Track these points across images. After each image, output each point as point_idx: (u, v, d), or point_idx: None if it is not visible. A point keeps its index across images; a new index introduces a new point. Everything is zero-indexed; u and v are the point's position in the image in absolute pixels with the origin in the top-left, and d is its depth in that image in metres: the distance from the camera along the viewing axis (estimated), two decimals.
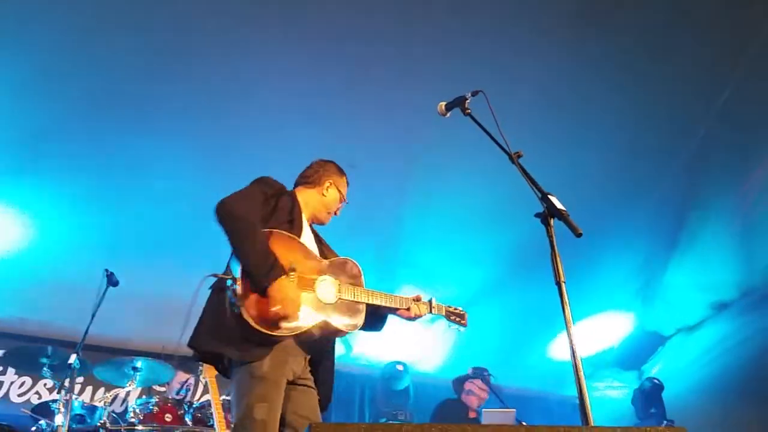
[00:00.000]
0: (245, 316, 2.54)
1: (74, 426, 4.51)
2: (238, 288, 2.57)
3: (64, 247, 5.85)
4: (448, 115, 2.90)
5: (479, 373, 6.20)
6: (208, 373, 4.60)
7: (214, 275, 2.71)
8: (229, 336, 2.58)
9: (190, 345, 2.72)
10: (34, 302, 5.95)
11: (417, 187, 6.23)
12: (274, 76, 5.41)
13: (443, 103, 2.91)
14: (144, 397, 4.87)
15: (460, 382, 6.23)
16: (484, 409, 5.68)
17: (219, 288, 2.69)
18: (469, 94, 2.83)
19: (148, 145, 5.50)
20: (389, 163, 6.01)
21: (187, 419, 4.67)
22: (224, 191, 2.75)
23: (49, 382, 6.03)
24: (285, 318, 2.57)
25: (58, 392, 4.51)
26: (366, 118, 5.74)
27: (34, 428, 4.65)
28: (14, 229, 5.76)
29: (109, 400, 4.77)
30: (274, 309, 2.54)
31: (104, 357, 5.28)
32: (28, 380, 6.13)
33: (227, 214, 2.64)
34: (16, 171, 5.44)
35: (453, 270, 6.91)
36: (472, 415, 5.94)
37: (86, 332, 4.62)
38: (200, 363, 4.68)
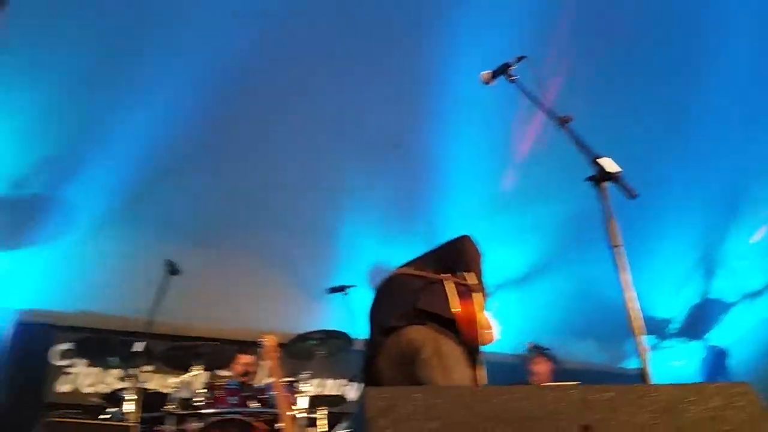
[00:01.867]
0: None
1: (143, 413, 4.65)
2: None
3: (127, 238, 6.05)
4: (493, 82, 2.85)
5: (539, 350, 6.13)
6: (270, 356, 4.69)
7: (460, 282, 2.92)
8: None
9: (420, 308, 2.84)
10: (100, 295, 6.18)
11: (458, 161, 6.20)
12: None
13: (487, 72, 2.86)
14: (208, 381, 4.98)
15: (524, 361, 6.16)
16: (545, 385, 5.61)
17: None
18: (514, 60, 2.78)
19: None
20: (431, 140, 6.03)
21: (251, 402, 4.77)
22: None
23: (118, 372, 6.27)
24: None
25: (127, 380, 4.68)
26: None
27: (104, 417, 4.82)
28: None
29: (175, 386, 4.88)
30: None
31: (169, 344, 5.44)
32: (97, 370, 6.36)
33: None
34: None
35: (508, 244, 6.85)
36: None
37: (150, 321, 4.77)
38: (261, 346, 4.78)
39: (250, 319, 6.53)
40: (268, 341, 4.76)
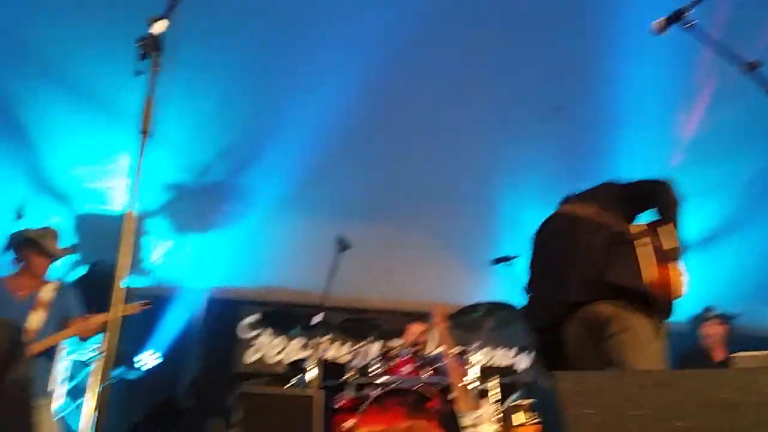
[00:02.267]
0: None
1: (324, 381, 4.93)
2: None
3: (302, 218, 6.41)
4: (667, 31, 2.62)
5: (717, 315, 5.69)
6: (440, 326, 4.75)
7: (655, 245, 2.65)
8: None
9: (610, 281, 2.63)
10: (280, 271, 6.62)
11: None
12: None
13: (660, 20, 2.63)
14: (382, 351, 5.15)
15: (697, 325, 5.76)
16: (736, 354, 5.18)
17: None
18: (690, 4, 2.53)
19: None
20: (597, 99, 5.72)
21: (424, 372, 4.87)
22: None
23: (300, 342, 6.72)
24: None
25: (308, 350, 5.00)
26: None
27: (289, 385, 5.16)
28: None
29: (352, 356, 5.12)
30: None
31: (345, 315, 5.72)
32: (281, 341, 6.85)
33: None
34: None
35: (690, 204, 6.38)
36: (717, 358, 5.48)
37: (326, 294, 5.02)
38: (431, 316, 4.87)
39: (418, 291, 6.67)
40: (438, 312, 4.83)
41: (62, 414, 5.20)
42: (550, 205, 3.15)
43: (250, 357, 6.78)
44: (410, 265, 6.81)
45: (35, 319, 3.98)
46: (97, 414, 5.70)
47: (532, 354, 7.09)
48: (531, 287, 2.96)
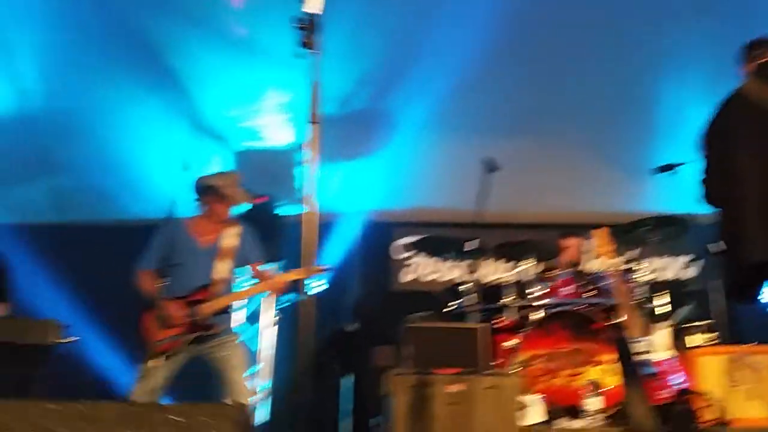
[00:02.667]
0: None
1: (481, 304, 4.94)
2: None
3: (448, 139, 6.34)
4: None
5: None
6: (602, 242, 4.51)
7: None
8: None
9: None
10: (431, 192, 6.65)
11: None
12: None
13: None
14: (541, 272, 5.06)
15: None
16: None
17: None
18: None
19: None
20: None
21: (586, 292, 4.74)
22: None
23: (453, 262, 6.80)
24: None
25: (462, 270, 5.05)
26: None
27: (447, 309, 5.17)
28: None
29: (509, 278, 5.08)
30: None
31: (498, 236, 5.66)
32: (435, 261, 6.92)
33: None
34: None
35: None
36: None
37: (478, 213, 4.96)
38: (591, 234, 4.66)
39: (574, 204, 6.48)
40: (599, 231, 4.61)
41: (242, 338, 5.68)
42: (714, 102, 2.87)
43: (405, 277, 6.98)
44: (563, 178, 6.58)
45: (222, 268, 4.09)
46: (273, 337, 6.21)
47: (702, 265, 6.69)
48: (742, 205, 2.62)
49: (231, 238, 4.20)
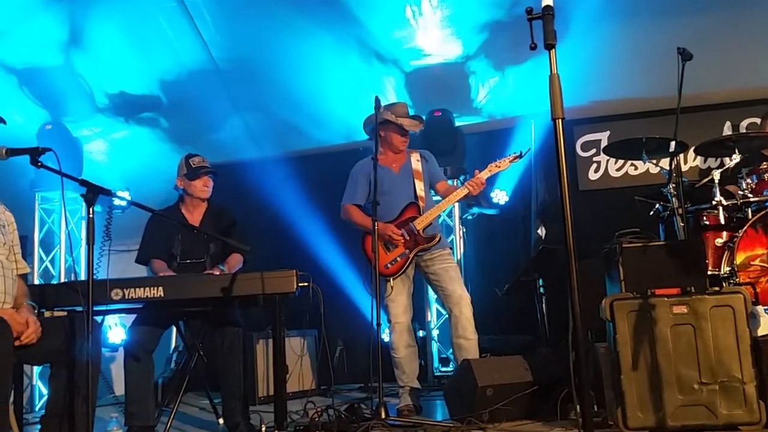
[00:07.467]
0: None
1: (684, 204, 4.66)
2: None
3: (628, 22, 5.98)
4: None
5: None
6: None
7: None
8: None
9: None
10: (616, 85, 6.41)
11: None
12: None
13: None
14: (749, 167, 4.68)
15: None
16: None
17: None
18: None
19: None
20: None
21: None
22: None
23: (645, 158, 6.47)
24: None
25: (658, 167, 4.90)
26: None
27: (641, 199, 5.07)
28: None
29: (711, 175, 4.72)
30: None
31: (694, 119, 5.57)
32: (624, 158, 6.57)
33: None
34: None
35: None
36: None
37: (670, 99, 4.65)
38: None
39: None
40: None
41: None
42: None
43: (593, 174, 6.80)
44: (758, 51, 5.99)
45: (420, 186, 4.68)
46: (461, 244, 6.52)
47: None
48: None
49: (416, 162, 4.76)
